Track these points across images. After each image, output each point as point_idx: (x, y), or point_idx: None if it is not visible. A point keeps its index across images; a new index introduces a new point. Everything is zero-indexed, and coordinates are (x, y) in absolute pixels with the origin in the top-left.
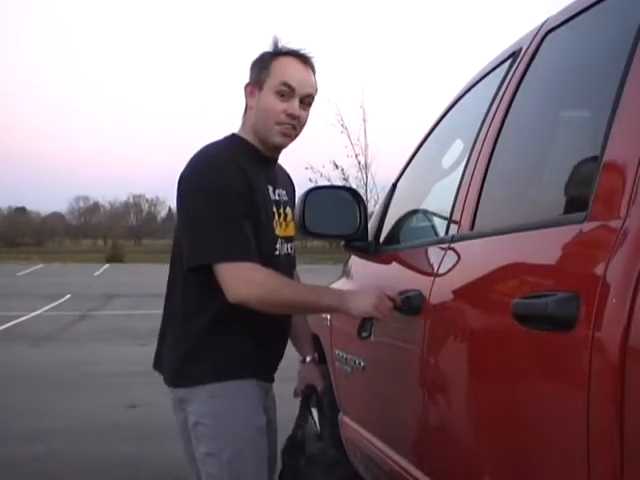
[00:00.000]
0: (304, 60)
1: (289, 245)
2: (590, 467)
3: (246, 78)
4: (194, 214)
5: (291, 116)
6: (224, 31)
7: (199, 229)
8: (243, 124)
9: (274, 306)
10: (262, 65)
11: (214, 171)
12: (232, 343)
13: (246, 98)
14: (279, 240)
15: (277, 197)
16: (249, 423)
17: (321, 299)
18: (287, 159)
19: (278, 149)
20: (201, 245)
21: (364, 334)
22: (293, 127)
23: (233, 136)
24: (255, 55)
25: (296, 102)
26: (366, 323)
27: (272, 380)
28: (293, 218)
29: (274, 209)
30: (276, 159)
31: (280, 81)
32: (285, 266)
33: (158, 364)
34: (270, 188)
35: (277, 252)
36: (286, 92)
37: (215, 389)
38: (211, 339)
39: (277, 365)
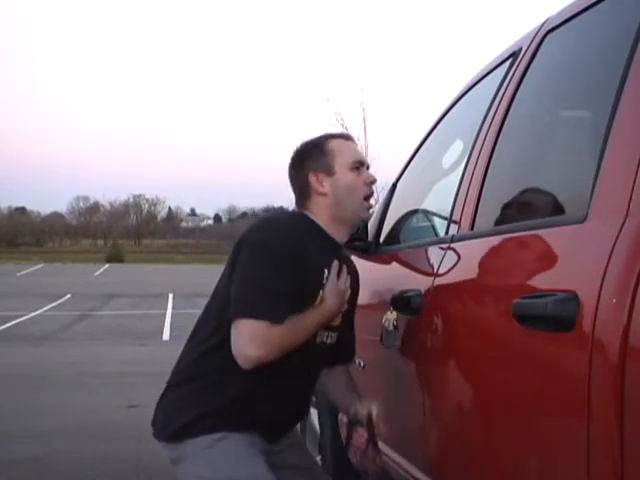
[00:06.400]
0: (351, 138)
1: (328, 334)
2: (590, 467)
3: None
4: (245, 269)
5: (372, 183)
6: (224, 31)
7: (240, 287)
8: (310, 211)
9: (282, 354)
10: (319, 151)
11: (279, 233)
12: (226, 399)
13: (313, 187)
14: None
15: None
16: (247, 468)
17: (316, 329)
18: (290, 158)
19: (356, 225)
20: (236, 302)
21: (387, 343)
22: (371, 199)
23: (303, 214)
24: (295, 140)
25: (368, 172)
26: (390, 333)
27: (277, 440)
28: (344, 314)
29: (321, 292)
30: (341, 246)
31: (353, 159)
32: (317, 354)
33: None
34: (326, 272)
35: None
36: (359, 167)
37: (206, 441)
38: (206, 395)
39: (283, 427)
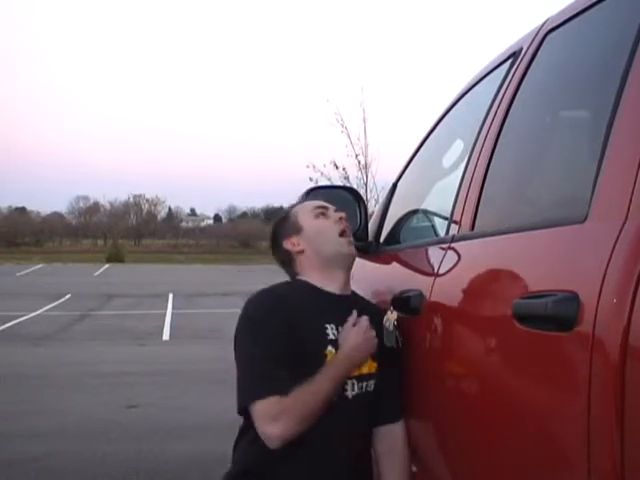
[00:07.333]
0: (311, 196)
1: (361, 384)
2: (590, 467)
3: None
4: (237, 353)
5: (342, 219)
6: (224, 30)
7: (239, 371)
8: (299, 273)
9: (307, 422)
10: (284, 220)
11: (257, 303)
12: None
13: (291, 251)
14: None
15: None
16: None
17: (334, 382)
18: (289, 158)
19: (347, 265)
20: (239, 388)
21: (389, 344)
22: (349, 233)
23: (294, 280)
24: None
25: (335, 212)
26: (390, 333)
27: None
28: (373, 358)
29: (329, 349)
30: (347, 296)
31: (312, 207)
32: (355, 408)
33: None
34: (329, 327)
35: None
36: (323, 211)
37: None
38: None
39: None
